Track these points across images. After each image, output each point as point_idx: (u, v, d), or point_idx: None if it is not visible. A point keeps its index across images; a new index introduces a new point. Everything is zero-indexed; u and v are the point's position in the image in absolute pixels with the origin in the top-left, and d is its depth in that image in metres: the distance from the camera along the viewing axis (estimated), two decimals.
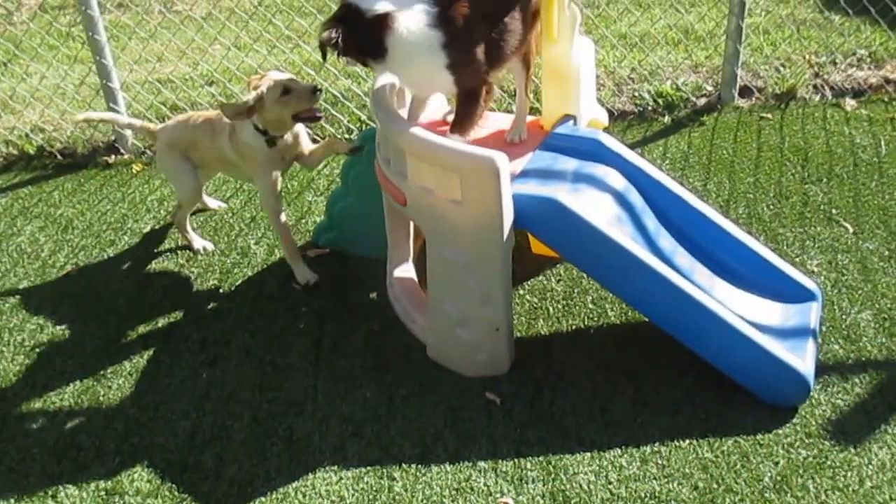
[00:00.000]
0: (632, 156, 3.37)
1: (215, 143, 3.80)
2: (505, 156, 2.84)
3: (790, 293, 3.25)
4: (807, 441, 2.87)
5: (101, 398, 3.32)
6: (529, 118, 3.50)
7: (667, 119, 5.00)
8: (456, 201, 2.92)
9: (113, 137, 5.27)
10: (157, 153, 4.18)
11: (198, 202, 4.29)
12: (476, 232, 2.96)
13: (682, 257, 3.22)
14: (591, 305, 3.55)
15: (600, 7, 5.91)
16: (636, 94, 5.19)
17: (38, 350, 3.62)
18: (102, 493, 2.93)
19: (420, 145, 2.93)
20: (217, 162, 3.93)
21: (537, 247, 3.75)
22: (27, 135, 5.41)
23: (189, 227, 4.21)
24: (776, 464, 2.79)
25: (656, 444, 2.90)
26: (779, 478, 2.75)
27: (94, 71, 5.18)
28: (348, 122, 5.17)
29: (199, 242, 4.18)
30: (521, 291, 3.63)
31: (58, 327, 3.74)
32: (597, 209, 3.06)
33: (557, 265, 3.77)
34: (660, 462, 2.84)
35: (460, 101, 3.17)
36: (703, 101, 5.11)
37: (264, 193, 3.72)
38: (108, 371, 3.46)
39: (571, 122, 3.45)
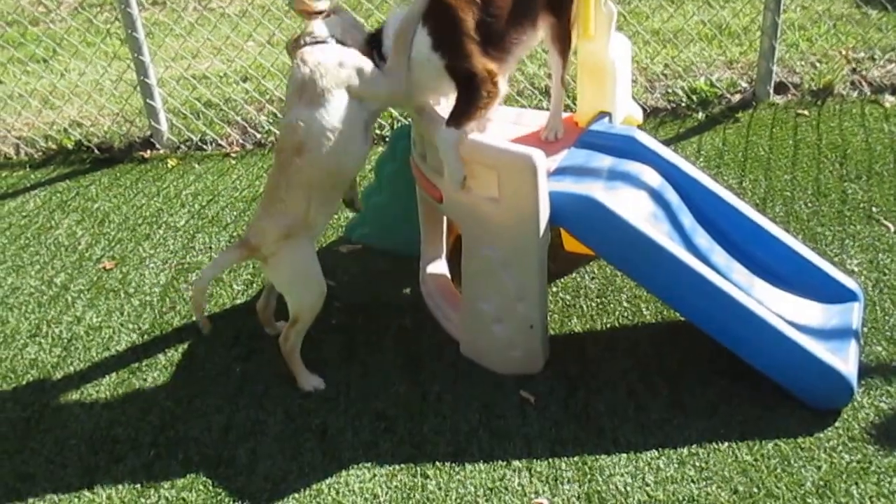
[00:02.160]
0: (667, 153, 3.28)
1: None
2: (542, 153, 2.76)
3: (831, 293, 3.14)
4: (850, 445, 2.76)
5: (136, 391, 3.28)
6: (563, 115, 3.42)
7: (701, 116, 4.89)
8: (493, 198, 2.85)
9: (149, 133, 5.24)
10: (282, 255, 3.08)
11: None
12: (512, 229, 2.89)
13: (720, 255, 3.13)
14: (625, 304, 3.47)
15: (633, 3, 5.79)
16: (669, 90, 5.08)
17: (74, 342, 3.59)
18: (138, 485, 2.89)
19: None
20: None
21: (570, 244, 3.67)
22: (66, 130, 5.41)
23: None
24: (818, 468, 2.69)
25: (693, 446, 2.81)
26: (821, 483, 2.65)
27: (131, 67, 5.15)
28: (380, 116, 5.09)
29: (312, 380, 3.23)
30: (555, 289, 3.55)
31: (94, 320, 3.71)
32: (633, 207, 2.98)
33: (591, 262, 3.69)
34: (698, 464, 2.75)
35: (458, 90, 2.95)
36: (737, 97, 4.99)
37: None
38: (144, 364, 3.42)
39: (606, 119, 3.36)
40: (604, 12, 3.14)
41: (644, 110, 4.72)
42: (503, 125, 3.45)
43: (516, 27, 3.01)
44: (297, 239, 3.02)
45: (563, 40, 3.24)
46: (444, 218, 3.58)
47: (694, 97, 4.98)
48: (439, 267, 3.59)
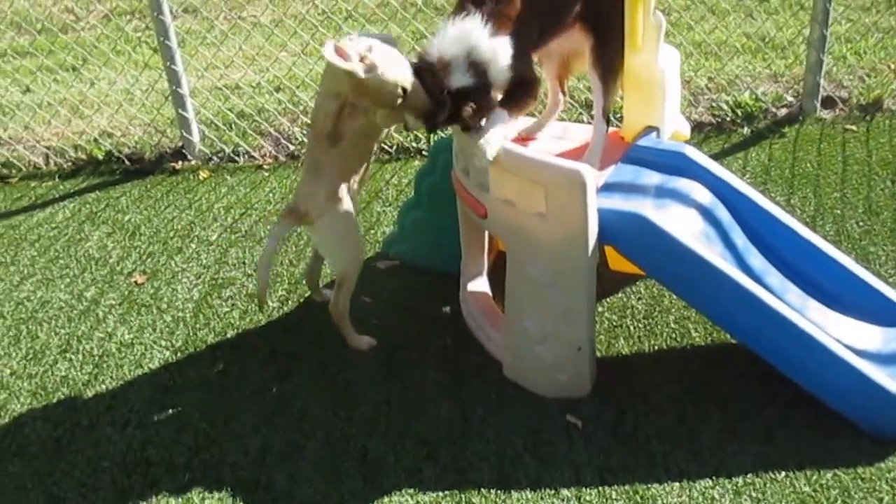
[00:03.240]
0: (718, 169, 3.21)
1: None
2: (592, 168, 2.71)
3: (889, 316, 3.06)
4: None
5: (169, 411, 3.25)
6: (610, 129, 3.36)
7: (746, 130, 4.83)
8: (540, 214, 2.80)
9: (180, 144, 5.24)
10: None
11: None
12: (560, 246, 2.84)
13: (773, 276, 3.06)
14: (673, 325, 3.40)
15: (675, 13, 5.74)
16: (714, 104, 5.02)
17: (106, 359, 3.57)
18: None
19: (505, 157, 2.82)
20: None
21: (616, 262, 3.62)
22: (96, 139, 5.42)
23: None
24: (880, 500, 2.62)
25: (749, 475, 2.74)
26: None
27: (163, 76, 5.16)
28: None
29: (364, 340, 3.48)
30: (600, 309, 3.50)
31: (126, 336, 3.69)
32: (684, 225, 2.92)
33: (637, 282, 3.63)
34: (754, 495, 2.68)
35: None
36: (783, 111, 4.93)
37: None
38: (177, 382, 3.40)
39: (654, 134, 3.31)
40: (652, 22, 3.08)
41: (688, 124, 4.66)
42: (547, 140, 3.41)
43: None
44: (342, 201, 3.25)
45: (603, 64, 3.18)
46: (486, 233, 3.54)
47: (739, 111, 4.92)
48: (480, 284, 3.55)
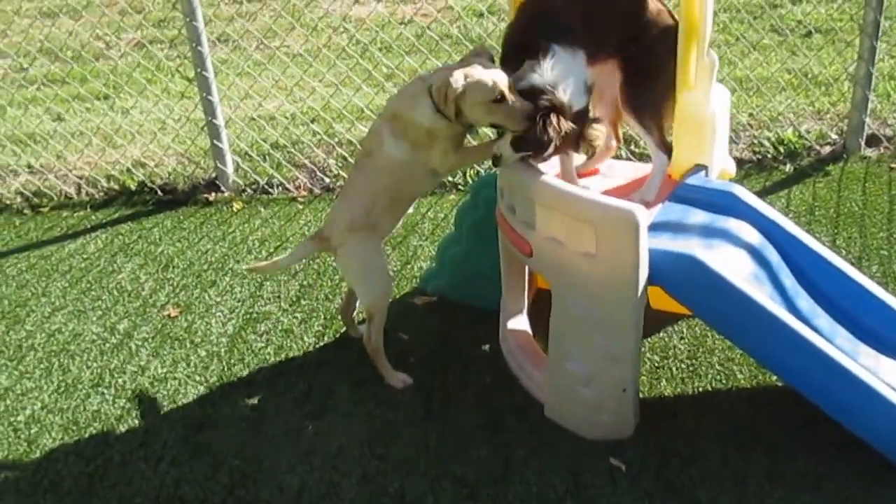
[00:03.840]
0: (766, 209, 3.21)
1: None
2: (644, 208, 2.71)
3: None
4: None
5: (203, 447, 3.25)
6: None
7: (788, 168, 4.81)
8: (588, 254, 2.80)
9: (214, 174, 5.27)
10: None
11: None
12: (608, 287, 2.83)
13: (823, 319, 3.04)
14: (717, 366, 3.38)
15: (718, 49, 5.73)
16: (755, 141, 5.01)
17: (139, 394, 3.58)
18: None
19: (553, 195, 2.83)
20: None
21: (658, 301, 3.58)
22: (129, 169, 5.46)
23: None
24: None
25: None
26: None
27: (198, 106, 5.20)
28: None
29: (399, 377, 3.47)
30: (643, 349, 3.47)
31: (159, 370, 3.70)
32: (733, 266, 2.91)
33: (679, 321, 3.61)
34: None
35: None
36: (827, 149, 4.92)
37: None
38: (211, 419, 3.40)
39: (703, 172, 3.30)
40: (705, 61, 3.09)
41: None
42: (592, 177, 3.41)
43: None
44: (364, 234, 3.29)
45: (635, 102, 3.19)
46: (527, 271, 3.54)
47: (781, 148, 4.91)
48: (521, 323, 3.54)
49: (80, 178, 5.54)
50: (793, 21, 6.62)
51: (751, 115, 5.20)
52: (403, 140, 3.13)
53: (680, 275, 2.87)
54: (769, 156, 4.90)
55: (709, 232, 3.05)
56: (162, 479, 3.13)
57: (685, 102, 3.19)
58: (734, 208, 3.17)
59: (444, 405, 3.33)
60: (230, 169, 5.22)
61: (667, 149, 3.25)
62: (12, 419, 3.52)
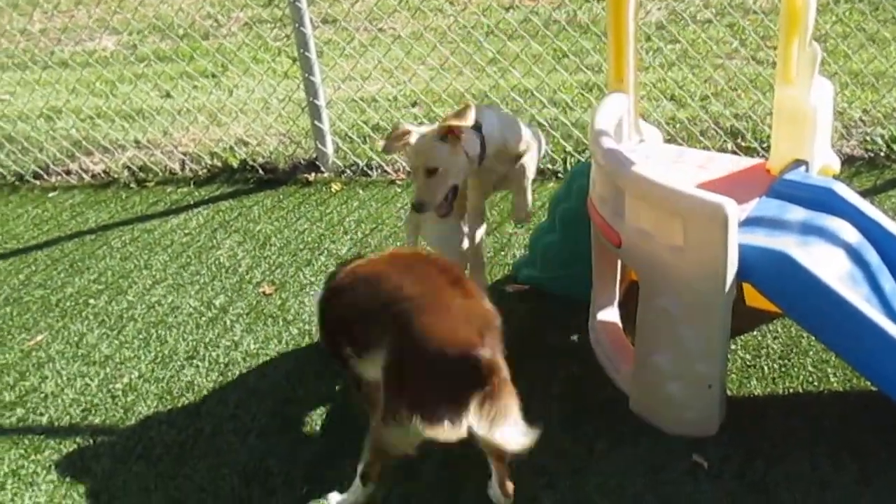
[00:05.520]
0: (868, 208, 3.18)
1: None
2: (734, 202, 2.74)
3: None
4: None
5: (291, 422, 3.39)
6: (755, 160, 3.37)
7: None
8: (676, 247, 2.84)
9: (314, 155, 5.44)
10: None
11: None
12: (696, 281, 2.87)
13: None
14: (810, 368, 3.38)
15: (832, 41, 5.66)
16: (867, 137, 4.93)
17: (231, 367, 3.75)
18: None
19: (642, 186, 2.88)
20: None
21: (753, 298, 3.60)
22: (231, 147, 5.66)
23: None
24: None
25: None
26: None
27: (300, 87, 5.37)
28: (552, 151, 5.14)
29: None
30: (734, 346, 3.49)
31: (252, 346, 3.87)
32: (828, 265, 2.91)
33: (774, 321, 3.61)
34: None
35: None
36: None
37: None
38: (300, 395, 3.54)
39: (802, 168, 3.30)
40: (807, 53, 3.09)
41: (839, 158, 4.61)
42: (688, 168, 3.44)
43: None
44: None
45: None
46: (619, 262, 3.58)
47: (895, 146, 4.82)
48: (610, 314, 3.59)
49: (185, 154, 5.77)
50: None
51: (864, 111, 5.11)
52: None
53: (772, 272, 2.88)
54: (882, 153, 4.82)
55: (805, 229, 3.05)
56: (249, 452, 3.29)
57: (785, 96, 3.19)
58: (834, 206, 3.16)
59: (530, 394, 3.36)
60: (330, 150, 5.37)
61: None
62: (111, 386, 3.74)
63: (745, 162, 3.52)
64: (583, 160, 5.01)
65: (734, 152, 4.75)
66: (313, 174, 5.38)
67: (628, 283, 3.76)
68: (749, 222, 3.06)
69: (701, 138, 5.02)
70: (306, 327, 3.93)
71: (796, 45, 3.09)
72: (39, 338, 4.16)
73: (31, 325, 4.28)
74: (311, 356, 3.74)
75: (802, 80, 3.14)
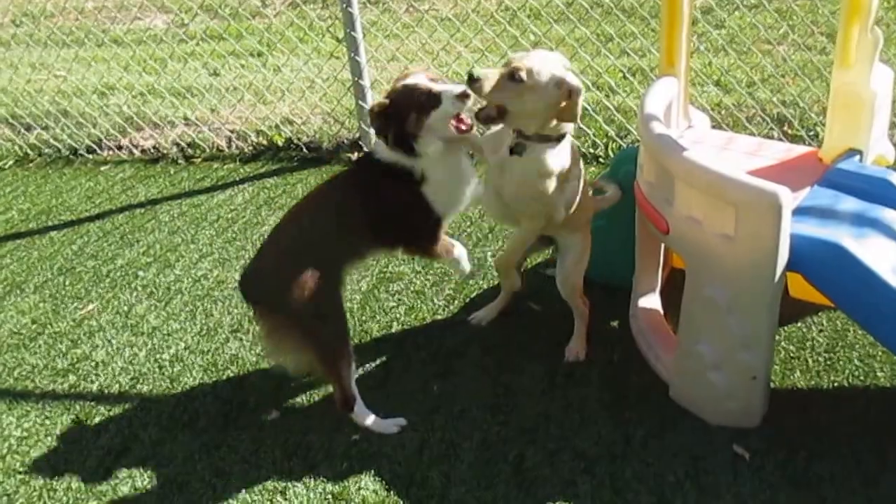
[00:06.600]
0: None
1: None
2: (789, 191, 2.61)
3: None
4: None
5: (332, 399, 3.30)
6: (806, 148, 3.23)
7: None
8: (727, 236, 2.71)
9: (357, 135, 5.36)
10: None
11: None
12: (745, 271, 2.74)
13: None
14: (857, 362, 3.25)
15: (891, 26, 5.47)
16: None
17: None
18: (329, 496, 2.93)
19: (693, 172, 2.75)
20: None
21: (797, 289, 3.47)
22: (277, 126, 5.60)
23: None
24: None
25: None
26: None
27: (346, 67, 5.29)
28: (594, 135, 5.02)
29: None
30: (778, 338, 3.36)
31: None
32: (883, 258, 2.77)
33: (819, 313, 3.48)
34: None
35: None
36: None
37: None
38: None
39: (857, 157, 3.16)
40: (868, 38, 2.94)
41: (893, 149, 4.44)
42: (739, 156, 3.31)
43: None
44: None
45: None
46: (662, 249, 3.47)
47: None
48: (652, 301, 3.48)
49: (232, 131, 5.72)
50: None
51: None
52: None
53: (824, 263, 2.75)
54: None
55: (860, 220, 2.91)
56: (291, 426, 3.24)
57: (842, 81, 3.05)
58: (890, 197, 3.02)
59: (569, 379, 3.31)
60: (373, 130, 5.27)
61: None
62: (158, 357, 3.70)
63: (796, 149, 3.38)
64: (624, 145, 4.89)
65: (780, 140, 4.60)
66: (356, 154, 5.30)
67: (670, 269, 3.65)
68: (800, 211, 2.93)
69: (747, 124, 4.87)
70: (347, 304, 3.83)
71: (857, 29, 2.94)
72: (91, 307, 4.12)
73: (83, 294, 4.25)
74: (352, 333, 3.65)
75: (862, 65, 2.99)
